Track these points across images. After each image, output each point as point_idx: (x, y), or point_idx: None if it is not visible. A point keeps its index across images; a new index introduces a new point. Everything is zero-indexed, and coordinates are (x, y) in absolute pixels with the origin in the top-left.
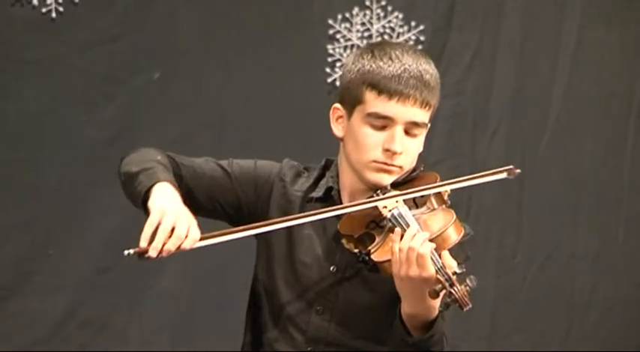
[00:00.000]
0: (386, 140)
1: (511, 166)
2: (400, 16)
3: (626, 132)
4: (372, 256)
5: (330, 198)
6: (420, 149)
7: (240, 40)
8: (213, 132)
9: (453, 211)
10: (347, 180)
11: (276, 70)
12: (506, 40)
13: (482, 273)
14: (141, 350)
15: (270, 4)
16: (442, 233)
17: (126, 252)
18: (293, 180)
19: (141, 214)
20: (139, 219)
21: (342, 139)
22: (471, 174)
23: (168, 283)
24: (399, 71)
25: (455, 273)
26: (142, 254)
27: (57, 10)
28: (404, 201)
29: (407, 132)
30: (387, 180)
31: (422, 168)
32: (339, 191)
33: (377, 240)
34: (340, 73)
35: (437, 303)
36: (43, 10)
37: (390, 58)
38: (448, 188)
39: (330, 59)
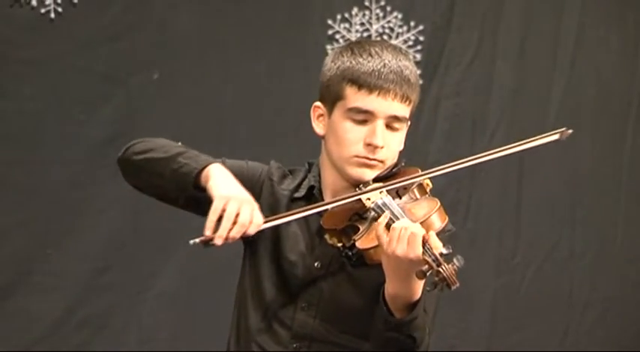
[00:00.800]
0: (367, 134)
1: (564, 128)
2: (399, 16)
3: (624, 132)
4: (357, 243)
5: (312, 196)
6: (401, 145)
7: (239, 40)
8: (212, 131)
9: (437, 200)
10: (329, 179)
11: (276, 69)
12: (506, 41)
13: (481, 273)
14: (139, 350)
15: (269, 4)
16: (427, 219)
17: (191, 242)
18: (280, 180)
19: (140, 213)
20: (138, 218)
21: (323, 137)
22: (470, 176)
23: (167, 283)
24: (379, 66)
25: (442, 254)
26: (207, 242)
27: (56, 11)
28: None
29: (388, 127)
30: (369, 175)
31: (403, 164)
32: (320, 190)
33: (361, 229)
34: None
35: (421, 285)
36: (42, 10)
37: (370, 54)
38: (446, 171)
39: None
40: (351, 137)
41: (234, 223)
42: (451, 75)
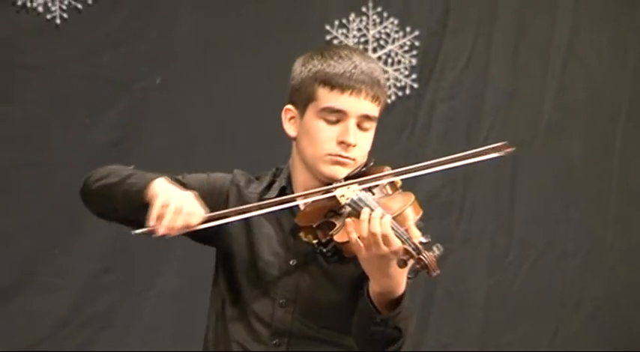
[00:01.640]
0: (340, 133)
1: (503, 143)
2: (395, 21)
3: (615, 134)
4: (335, 237)
5: (284, 197)
6: (369, 145)
7: (239, 45)
8: (213, 134)
9: (411, 193)
10: (300, 179)
11: (275, 74)
12: (499, 44)
13: (474, 272)
14: (142, 348)
15: (269, 10)
16: (402, 212)
17: (136, 232)
18: (246, 185)
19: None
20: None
21: (295, 139)
22: (464, 177)
23: (169, 282)
24: (350, 68)
25: (422, 243)
26: (151, 233)
27: (61, 17)
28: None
29: (359, 126)
30: (341, 172)
31: (372, 163)
32: (292, 190)
33: (337, 225)
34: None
35: (404, 279)
36: (48, 16)
37: (340, 57)
38: (421, 173)
39: None
40: (324, 136)
41: (178, 214)
42: (446, 79)
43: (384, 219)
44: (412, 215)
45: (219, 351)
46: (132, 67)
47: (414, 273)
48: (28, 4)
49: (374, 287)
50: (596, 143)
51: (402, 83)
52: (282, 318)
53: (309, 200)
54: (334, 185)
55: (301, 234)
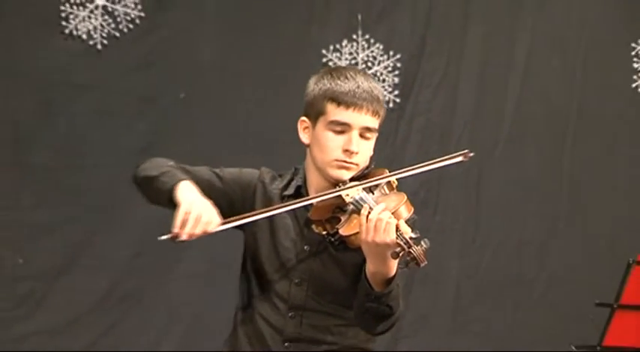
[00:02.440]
0: (345, 142)
1: (466, 150)
2: (381, 46)
3: (564, 142)
4: (341, 231)
5: (300, 194)
6: (371, 151)
7: (251, 67)
8: (227, 142)
9: (404, 193)
10: (313, 179)
11: (280, 91)
12: (467, 67)
13: (447, 257)
14: (168, 319)
15: (276, 37)
16: (397, 210)
17: (162, 237)
18: (270, 182)
19: (166, 211)
20: (166, 213)
21: (308, 146)
22: (438, 178)
23: (190, 267)
24: (354, 87)
25: (412, 238)
26: (175, 238)
27: (101, 43)
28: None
29: (361, 136)
30: (346, 175)
31: (372, 166)
32: (306, 188)
33: (342, 220)
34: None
35: (395, 263)
36: (91, 42)
37: (346, 78)
38: (404, 175)
39: None
40: (331, 145)
41: (198, 223)
42: (423, 95)
43: (384, 213)
44: (405, 212)
45: (247, 322)
46: (159, 84)
47: (404, 263)
48: (75, 33)
49: (370, 267)
50: (548, 149)
51: (387, 98)
52: (297, 295)
53: (324, 197)
54: (343, 187)
55: (313, 226)
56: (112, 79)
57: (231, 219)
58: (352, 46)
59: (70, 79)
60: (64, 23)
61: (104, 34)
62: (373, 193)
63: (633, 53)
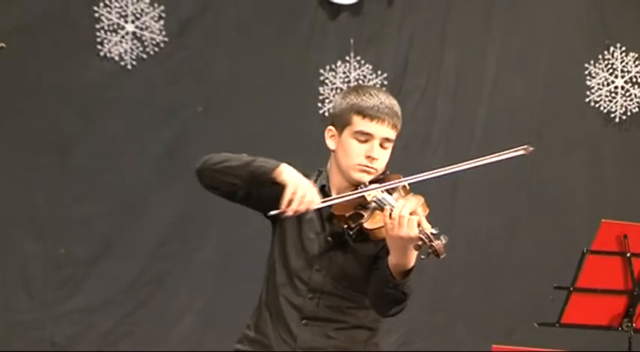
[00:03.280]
0: (367, 150)
1: (526, 145)
2: (370, 67)
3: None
4: (366, 225)
5: (324, 192)
6: (387, 159)
7: (259, 84)
8: (240, 147)
9: (422, 198)
10: (336, 180)
11: (284, 105)
12: (444, 84)
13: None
14: (188, 300)
15: (280, 58)
16: (415, 210)
17: (271, 213)
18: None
19: (187, 207)
20: (187, 208)
21: (333, 151)
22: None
23: (207, 254)
24: (377, 103)
25: (432, 233)
26: (283, 213)
27: (131, 63)
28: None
29: (381, 146)
30: (366, 178)
31: (388, 172)
32: (329, 187)
33: (365, 216)
34: (328, 107)
35: (415, 256)
36: (122, 63)
37: (371, 94)
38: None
39: (320, 97)
40: (355, 151)
41: (302, 201)
42: (406, 107)
43: (406, 210)
44: (422, 212)
45: (270, 300)
46: (181, 98)
47: (426, 255)
48: (108, 55)
49: (392, 260)
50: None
51: None
52: (317, 280)
53: (346, 198)
54: (367, 188)
55: (335, 221)
56: (141, 94)
57: (327, 199)
58: (345, 66)
59: (105, 94)
60: (99, 47)
61: (133, 56)
62: (392, 195)
63: (586, 72)
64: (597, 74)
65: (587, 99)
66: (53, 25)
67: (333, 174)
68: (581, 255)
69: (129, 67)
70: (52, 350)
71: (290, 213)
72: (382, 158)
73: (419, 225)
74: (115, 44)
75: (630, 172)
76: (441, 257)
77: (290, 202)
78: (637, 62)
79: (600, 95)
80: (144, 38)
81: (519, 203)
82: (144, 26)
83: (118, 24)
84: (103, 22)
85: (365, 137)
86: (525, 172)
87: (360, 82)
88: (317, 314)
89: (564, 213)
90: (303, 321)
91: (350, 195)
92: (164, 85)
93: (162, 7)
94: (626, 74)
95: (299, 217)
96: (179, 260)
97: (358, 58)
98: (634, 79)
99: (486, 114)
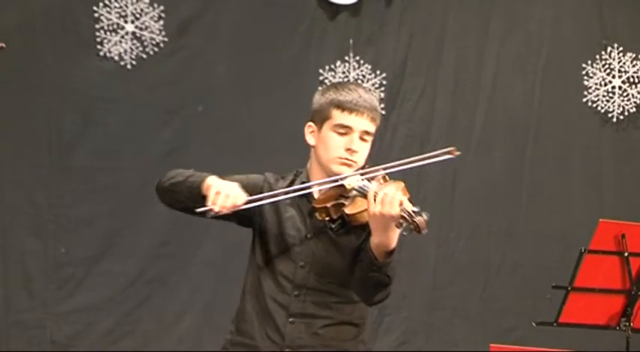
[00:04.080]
0: (347, 143)
1: (452, 148)
2: (369, 67)
3: (525, 148)
4: (346, 210)
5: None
6: (367, 153)
7: (259, 84)
8: (238, 149)
9: (402, 183)
10: (316, 177)
11: (284, 105)
12: (443, 84)
13: (426, 245)
14: (189, 299)
15: (280, 58)
16: (398, 191)
17: (199, 210)
18: (275, 183)
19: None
20: None
21: (314, 146)
22: (418, 178)
23: (207, 253)
24: (356, 97)
25: (414, 211)
26: (209, 211)
27: (131, 63)
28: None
29: (360, 138)
30: (346, 170)
31: (367, 166)
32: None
33: (347, 203)
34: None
35: (396, 236)
36: (122, 63)
37: (349, 89)
38: (400, 168)
39: None
40: (335, 144)
41: (228, 197)
42: (405, 108)
43: (388, 189)
44: (404, 195)
45: (255, 301)
46: (181, 98)
47: (408, 231)
48: (108, 55)
49: (374, 240)
50: (511, 154)
51: None
52: (302, 276)
53: (322, 187)
54: (345, 175)
55: (317, 214)
56: (140, 94)
57: (256, 197)
58: (345, 66)
59: (105, 94)
60: (99, 47)
61: (133, 56)
62: (371, 183)
63: (584, 72)
64: (595, 74)
65: (584, 99)
66: (53, 25)
67: (313, 171)
68: (579, 255)
69: (129, 66)
70: (52, 349)
71: (217, 209)
72: (362, 151)
73: (400, 203)
74: (115, 44)
75: (628, 172)
76: (423, 232)
77: (216, 199)
78: (634, 62)
79: (598, 95)
80: (143, 38)
81: (517, 202)
82: (143, 26)
83: (118, 24)
84: (102, 22)
85: (345, 130)
86: (523, 172)
87: (360, 81)
88: (303, 310)
89: (562, 212)
90: (290, 319)
91: (315, 183)
92: (164, 85)
93: (161, 7)
94: (623, 74)
95: (279, 216)
96: (179, 259)
97: (357, 58)
98: (631, 79)
99: (485, 114)
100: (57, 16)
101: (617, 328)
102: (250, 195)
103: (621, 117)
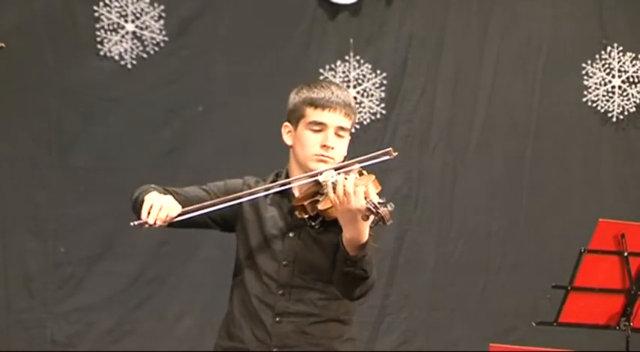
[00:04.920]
0: (322, 139)
1: (390, 148)
2: (369, 66)
3: (525, 148)
4: (319, 207)
5: (285, 191)
6: (345, 150)
7: (258, 84)
8: (238, 147)
9: (373, 175)
10: (296, 176)
11: (284, 105)
12: (442, 84)
13: (426, 245)
14: (189, 298)
15: (280, 58)
16: (366, 185)
17: (133, 223)
18: (254, 185)
19: None
20: None
21: (291, 146)
22: (418, 178)
23: (207, 253)
24: (329, 94)
25: (379, 202)
26: (143, 224)
27: (131, 63)
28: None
29: (336, 134)
30: (323, 167)
31: (346, 160)
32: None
33: (320, 200)
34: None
35: (366, 229)
36: (122, 63)
37: (322, 87)
38: (357, 166)
39: None
40: (311, 142)
41: (161, 209)
42: (405, 107)
43: (351, 184)
44: (373, 188)
45: (242, 303)
46: (181, 98)
47: (374, 223)
48: (108, 54)
49: (345, 235)
50: (511, 154)
51: (374, 110)
52: (285, 275)
53: (298, 183)
54: (318, 171)
55: (296, 212)
56: (141, 94)
57: (192, 207)
58: (345, 66)
59: (105, 94)
60: (99, 46)
61: (133, 56)
62: (347, 179)
63: (583, 72)
64: (594, 74)
65: (584, 99)
66: (53, 25)
67: (292, 170)
68: (578, 254)
69: (129, 66)
70: (52, 348)
71: (151, 221)
72: (338, 147)
73: (366, 196)
74: (115, 44)
75: (627, 171)
76: (387, 223)
77: (148, 212)
78: (634, 62)
79: (597, 95)
80: (144, 38)
81: (517, 202)
82: (144, 26)
83: (118, 23)
84: (103, 21)
85: (319, 127)
86: (523, 171)
87: (360, 81)
88: (289, 309)
89: (562, 212)
90: (277, 318)
91: (285, 182)
92: (164, 85)
93: (162, 7)
94: (623, 74)
95: (259, 216)
96: (179, 259)
97: (357, 57)
98: (631, 79)
99: (484, 113)
100: (57, 15)
101: (617, 328)
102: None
103: (621, 116)
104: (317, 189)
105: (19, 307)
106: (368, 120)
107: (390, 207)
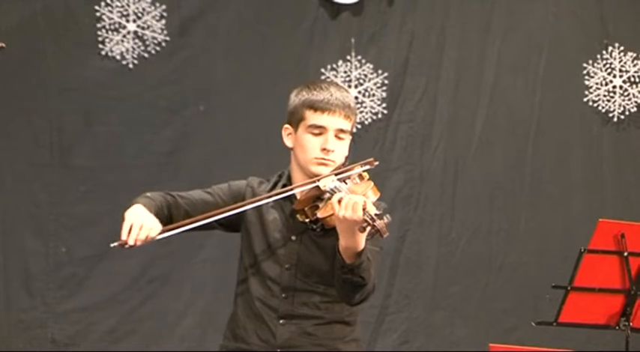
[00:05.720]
0: (322, 142)
1: (371, 159)
2: (371, 66)
3: (526, 148)
4: (318, 214)
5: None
6: (346, 152)
7: (259, 83)
8: (239, 147)
9: (372, 182)
10: (297, 178)
11: (285, 105)
12: (444, 84)
13: (427, 245)
14: (191, 298)
15: (281, 58)
16: (365, 193)
17: (112, 244)
18: (258, 186)
19: None
20: None
21: (292, 149)
22: (420, 177)
23: (209, 253)
24: (328, 96)
25: (376, 214)
26: (123, 245)
27: (133, 63)
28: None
29: (336, 137)
30: (324, 171)
31: (346, 164)
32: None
33: (320, 206)
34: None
35: (363, 238)
36: (124, 62)
37: (321, 89)
38: (353, 173)
39: None
40: (311, 145)
41: (141, 229)
42: (407, 107)
43: (352, 195)
44: (371, 195)
45: (246, 305)
46: (182, 98)
47: (371, 235)
48: (110, 54)
49: (342, 243)
50: (512, 153)
51: (376, 110)
52: (288, 278)
53: (304, 188)
54: (318, 177)
55: (297, 216)
56: (142, 93)
57: (172, 225)
58: (346, 66)
59: (106, 93)
60: (100, 46)
61: (135, 55)
62: (346, 183)
63: (584, 72)
64: (595, 74)
65: (585, 99)
66: (54, 25)
67: (294, 173)
68: (578, 254)
69: (130, 66)
70: (53, 348)
71: (131, 242)
72: (338, 150)
73: (364, 208)
74: (117, 43)
75: (628, 171)
76: (384, 236)
77: (128, 232)
78: (635, 61)
79: (599, 95)
80: (145, 37)
81: (518, 202)
82: (145, 25)
83: (120, 23)
84: (104, 21)
85: (319, 130)
86: (524, 171)
87: (361, 81)
88: (293, 312)
89: (562, 212)
90: (281, 321)
91: (286, 190)
92: (165, 84)
93: (163, 7)
94: (624, 73)
95: (262, 219)
96: (181, 258)
97: (359, 57)
98: (632, 79)
99: (486, 113)
100: (58, 15)
101: (617, 328)
102: (235, 202)
103: (622, 116)
104: (317, 194)
105: (20, 307)
106: (369, 120)
107: (387, 219)
